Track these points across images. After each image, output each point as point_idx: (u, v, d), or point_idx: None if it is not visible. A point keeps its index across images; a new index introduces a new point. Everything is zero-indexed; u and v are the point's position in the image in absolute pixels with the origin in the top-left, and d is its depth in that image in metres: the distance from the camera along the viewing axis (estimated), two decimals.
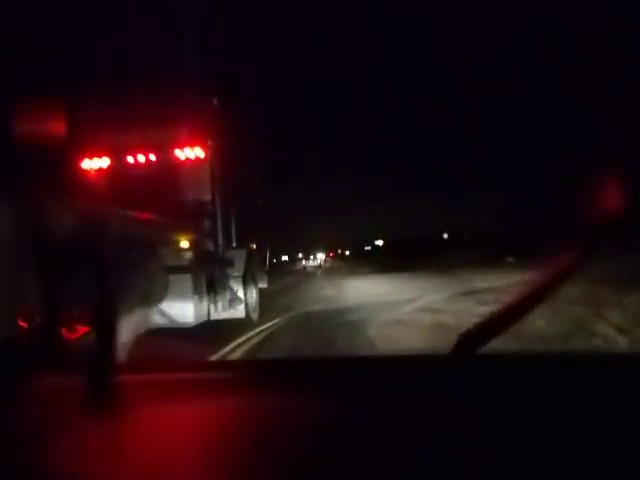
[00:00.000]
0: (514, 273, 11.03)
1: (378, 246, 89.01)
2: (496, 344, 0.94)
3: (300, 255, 74.67)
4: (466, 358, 0.97)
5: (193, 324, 5.51)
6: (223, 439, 0.79)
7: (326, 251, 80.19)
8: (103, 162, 6.70)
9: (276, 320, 7.44)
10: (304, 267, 48.42)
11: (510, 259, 19.20)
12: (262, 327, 6.85)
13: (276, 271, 16.87)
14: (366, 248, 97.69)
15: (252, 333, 6.40)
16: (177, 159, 6.57)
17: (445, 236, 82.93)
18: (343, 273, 25.46)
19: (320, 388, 0.96)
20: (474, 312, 6.40)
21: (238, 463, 0.67)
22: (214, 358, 4.33)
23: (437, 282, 12.72)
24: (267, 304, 8.35)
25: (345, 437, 0.75)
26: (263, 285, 8.39)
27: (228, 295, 6.44)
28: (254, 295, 7.41)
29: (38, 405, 0.95)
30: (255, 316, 7.26)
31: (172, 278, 5.00)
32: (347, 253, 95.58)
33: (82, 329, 2.87)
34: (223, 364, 2.10)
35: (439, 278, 14.18)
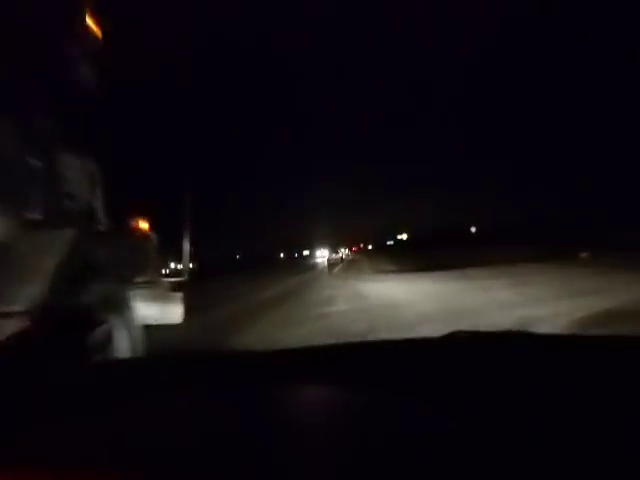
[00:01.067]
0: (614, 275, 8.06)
1: (402, 240, 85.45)
2: None
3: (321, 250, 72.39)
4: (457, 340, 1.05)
5: None
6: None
7: (347, 245, 77.15)
8: None
9: None
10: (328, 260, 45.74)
11: (584, 254, 15.04)
12: None
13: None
14: (388, 243, 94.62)
15: None
16: None
17: (473, 229, 78.06)
18: (365, 273, 19.02)
19: (321, 376, 0.95)
20: None
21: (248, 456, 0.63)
22: None
23: (521, 293, 7.50)
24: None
25: (336, 423, 0.73)
26: (167, 317, 3.42)
27: None
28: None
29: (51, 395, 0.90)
30: None
31: None
32: (369, 247, 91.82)
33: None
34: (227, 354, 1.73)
35: (513, 286, 8.49)
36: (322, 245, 77.44)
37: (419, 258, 23.78)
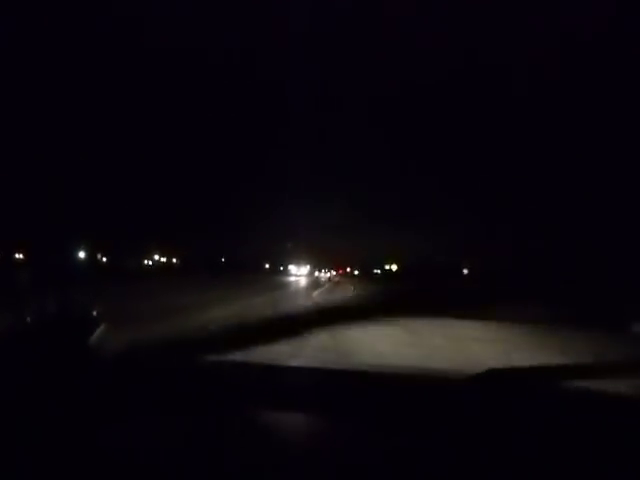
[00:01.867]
0: None
1: (390, 271, 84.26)
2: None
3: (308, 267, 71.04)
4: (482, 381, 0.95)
5: None
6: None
7: (331, 267, 74.81)
8: None
9: None
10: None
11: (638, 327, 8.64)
12: None
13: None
14: (375, 271, 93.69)
15: None
16: None
17: (465, 272, 77.19)
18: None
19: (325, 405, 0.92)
20: None
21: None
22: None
23: None
24: None
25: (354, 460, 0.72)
26: None
27: None
28: None
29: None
30: None
31: None
32: (355, 273, 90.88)
33: None
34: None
35: None
36: (301, 261, 73.92)
37: (420, 299, 19.88)
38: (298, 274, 64.87)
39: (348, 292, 23.29)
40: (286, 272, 68.11)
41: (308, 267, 69.91)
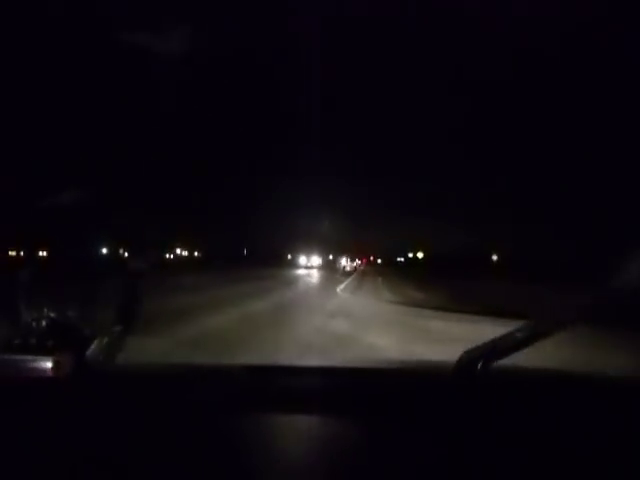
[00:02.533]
0: None
1: (416, 258, 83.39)
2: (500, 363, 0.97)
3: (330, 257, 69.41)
4: (469, 373, 0.96)
5: None
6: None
7: (356, 255, 67.87)
8: None
9: None
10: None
11: None
12: None
13: None
14: (399, 259, 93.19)
15: None
16: None
17: (494, 258, 75.28)
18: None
19: (318, 399, 0.93)
20: None
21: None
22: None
23: None
24: None
25: (344, 451, 0.74)
26: None
27: None
28: None
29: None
30: None
31: None
32: (379, 261, 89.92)
33: None
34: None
35: None
36: (316, 251, 65.93)
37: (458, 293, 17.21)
38: (308, 265, 57.64)
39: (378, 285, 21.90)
40: (298, 263, 62.46)
41: (321, 258, 64.39)
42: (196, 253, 75.39)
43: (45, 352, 0.96)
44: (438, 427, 0.81)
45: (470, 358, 0.94)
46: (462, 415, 0.84)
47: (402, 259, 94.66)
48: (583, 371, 1.22)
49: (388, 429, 0.81)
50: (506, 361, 0.94)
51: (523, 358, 1.00)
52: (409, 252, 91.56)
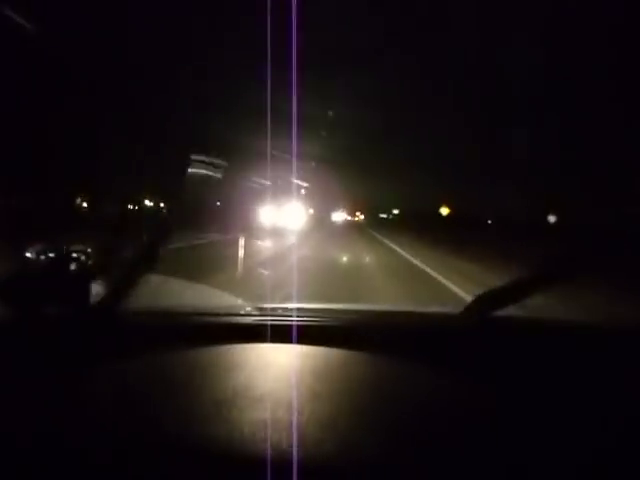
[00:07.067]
0: None
1: (394, 215, 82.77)
2: (507, 311, 0.95)
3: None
4: (476, 319, 0.99)
5: None
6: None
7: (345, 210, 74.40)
8: None
9: None
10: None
11: None
12: None
13: None
14: (381, 215, 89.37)
15: None
16: None
17: (489, 222, 71.56)
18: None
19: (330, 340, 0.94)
20: None
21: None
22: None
23: None
24: None
25: (352, 389, 0.74)
26: None
27: None
28: None
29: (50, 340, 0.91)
30: None
31: None
32: (362, 217, 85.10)
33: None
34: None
35: None
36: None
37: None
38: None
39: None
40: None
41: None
42: (162, 204, 67.04)
43: (53, 290, 0.98)
44: (447, 363, 0.82)
45: (481, 300, 0.99)
46: (471, 354, 0.85)
47: (385, 215, 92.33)
48: (593, 320, 1.19)
49: (404, 364, 0.84)
50: (517, 308, 0.96)
51: (532, 306, 1.01)
52: (392, 210, 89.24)
